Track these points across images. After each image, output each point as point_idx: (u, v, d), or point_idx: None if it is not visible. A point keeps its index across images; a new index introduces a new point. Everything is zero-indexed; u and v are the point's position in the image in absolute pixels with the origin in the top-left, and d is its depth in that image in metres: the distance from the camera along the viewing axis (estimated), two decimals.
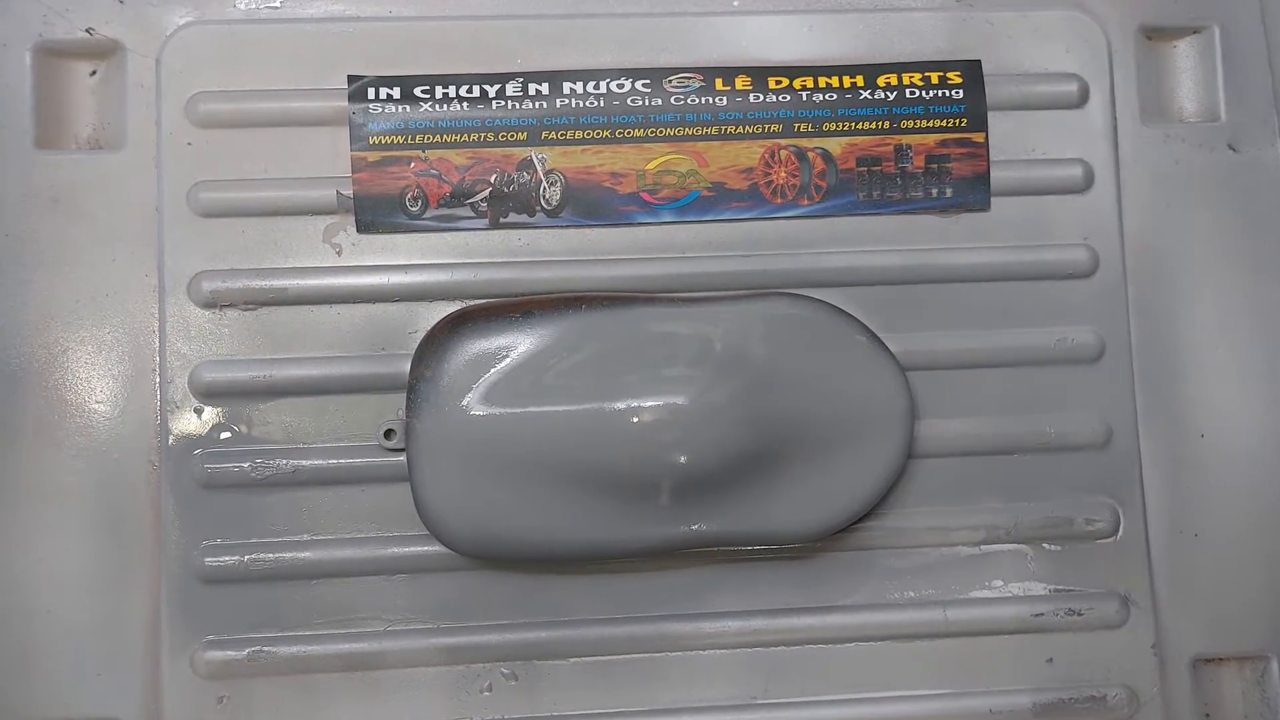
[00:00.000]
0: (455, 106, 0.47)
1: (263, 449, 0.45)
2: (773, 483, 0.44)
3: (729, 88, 0.47)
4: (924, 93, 0.48)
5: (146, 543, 0.45)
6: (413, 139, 0.46)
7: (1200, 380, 0.49)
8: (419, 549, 0.45)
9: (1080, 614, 0.47)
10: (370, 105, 0.46)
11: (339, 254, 0.46)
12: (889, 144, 0.48)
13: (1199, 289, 0.49)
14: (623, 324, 0.44)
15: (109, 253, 0.46)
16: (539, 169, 0.47)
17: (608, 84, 0.47)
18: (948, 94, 0.48)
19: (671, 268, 0.47)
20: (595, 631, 0.46)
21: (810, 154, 0.47)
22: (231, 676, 0.45)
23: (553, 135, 0.47)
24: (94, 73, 0.47)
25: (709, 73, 0.48)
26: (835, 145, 0.47)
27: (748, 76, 0.48)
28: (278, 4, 0.47)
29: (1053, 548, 0.48)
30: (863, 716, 0.46)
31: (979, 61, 0.48)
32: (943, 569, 0.47)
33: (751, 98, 0.47)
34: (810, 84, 0.48)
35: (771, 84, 0.48)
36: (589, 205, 0.47)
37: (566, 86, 0.47)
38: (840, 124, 0.48)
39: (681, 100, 0.47)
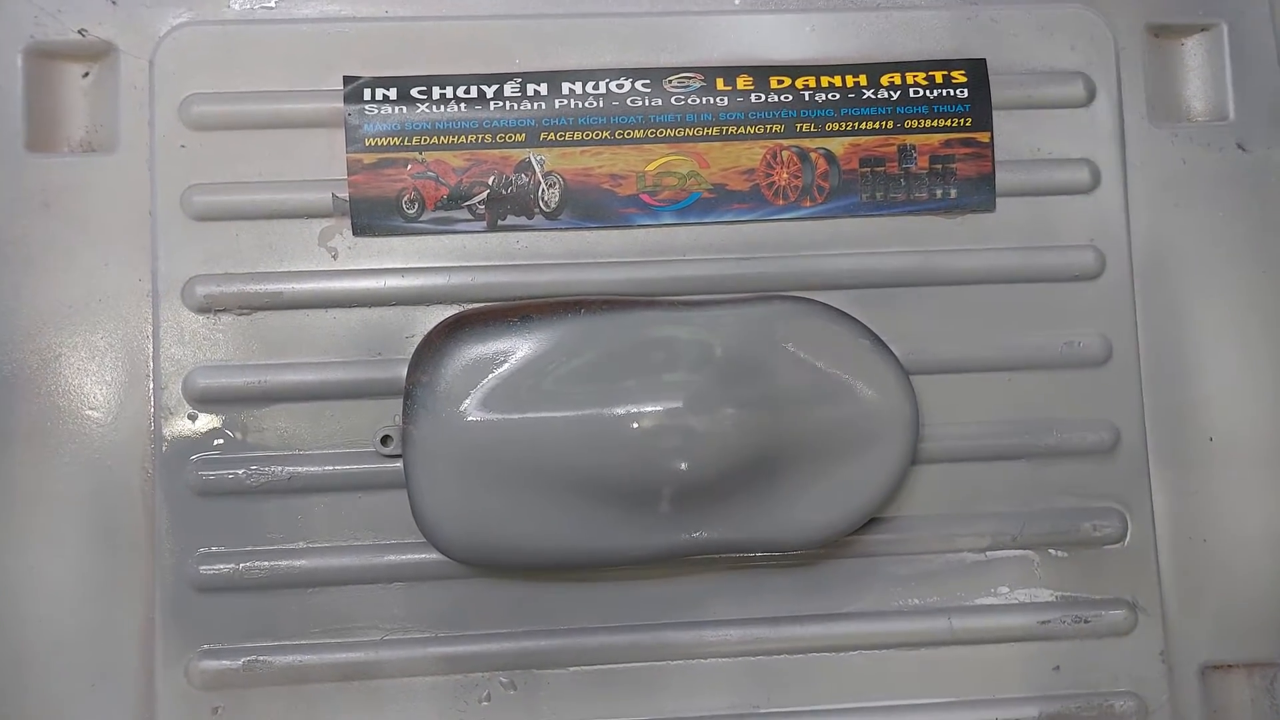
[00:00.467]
0: (452, 107, 0.46)
1: (258, 455, 0.45)
2: (775, 489, 0.43)
3: (730, 88, 0.47)
4: (928, 92, 0.47)
5: (140, 551, 0.44)
6: (409, 141, 0.46)
7: (1209, 383, 0.48)
8: (416, 557, 0.45)
9: (1088, 621, 0.46)
10: (366, 107, 0.46)
11: (335, 258, 0.46)
12: (893, 144, 0.47)
13: (1207, 290, 0.48)
14: (622, 328, 0.43)
15: (102, 257, 0.45)
16: (537, 171, 0.46)
17: (607, 84, 0.47)
18: (952, 93, 0.47)
19: (672, 271, 0.46)
20: (595, 640, 0.45)
21: (813, 155, 0.47)
22: (227, 687, 0.44)
23: (551, 136, 0.46)
24: (86, 74, 0.46)
25: (710, 72, 0.47)
26: (838, 146, 0.47)
27: (749, 76, 0.47)
28: (272, 4, 0.47)
29: (1059, 554, 0.47)
30: None
31: (984, 60, 0.48)
32: (948, 576, 0.47)
33: (753, 98, 0.47)
34: (813, 83, 0.47)
35: (773, 83, 0.47)
36: (588, 207, 0.46)
37: (565, 87, 0.46)
38: (843, 124, 0.47)
39: (682, 100, 0.47)
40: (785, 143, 0.47)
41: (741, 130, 0.47)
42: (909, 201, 0.47)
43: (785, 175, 0.47)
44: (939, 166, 0.47)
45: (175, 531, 0.44)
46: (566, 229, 0.46)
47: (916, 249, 0.47)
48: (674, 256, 0.47)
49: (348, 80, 0.46)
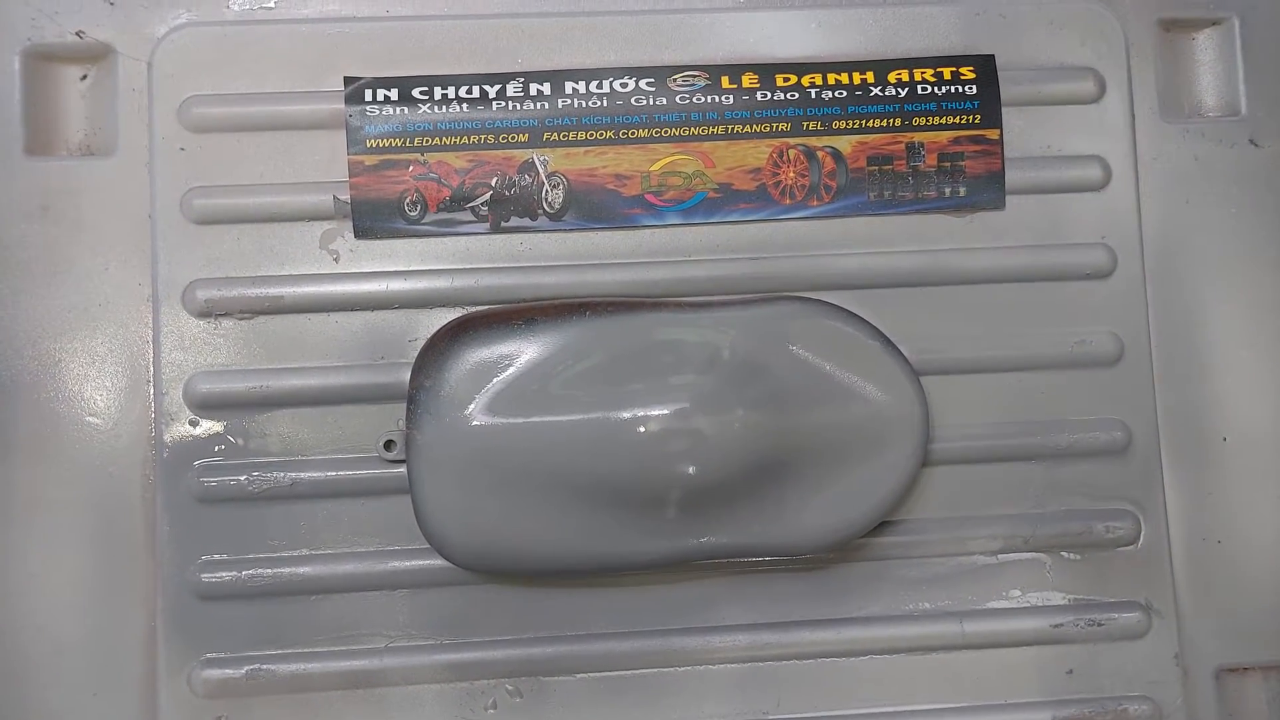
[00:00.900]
0: (454, 108, 0.45)
1: (260, 461, 0.44)
2: (783, 492, 0.43)
3: (735, 86, 0.46)
4: (936, 89, 0.47)
5: (142, 558, 0.44)
6: (411, 142, 0.45)
7: (1223, 382, 0.47)
8: (420, 563, 0.44)
9: (1101, 624, 0.46)
10: (367, 107, 0.45)
11: (336, 260, 0.45)
12: (900, 142, 0.46)
13: (1220, 288, 0.48)
14: (628, 330, 0.43)
15: (101, 261, 0.45)
16: (541, 171, 0.46)
17: (611, 83, 0.46)
18: (960, 90, 0.47)
19: (678, 272, 0.46)
20: (602, 646, 0.45)
21: (819, 153, 0.46)
22: (230, 696, 0.44)
23: (555, 136, 0.46)
24: (84, 77, 0.46)
25: (715, 71, 0.46)
26: (845, 144, 0.46)
27: (755, 74, 0.46)
28: (272, 4, 0.46)
29: (1072, 556, 0.46)
30: None
31: (993, 56, 0.47)
32: (959, 579, 0.46)
33: (759, 96, 0.46)
34: (819, 81, 0.46)
35: (779, 81, 0.46)
36: (592, 208, 0.46)
37: (569, 86, 0.46)
38: (850, 122, 0.46)
39: (687, 99, 0.46)
40: (792, 141, 0.46)
41: (747, 129, 0.46)
42: (917, 200, 0.46)
43: (792, 174, 0.46)
44: (948, 164, 0.46)
45: (177, 538, 0.44)
46: (571, 230, 0.46)
47: (925, 248, 0.46)
48: (680, 257, 0.46)
49: (349, 81, 0.45)
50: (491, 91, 0.46)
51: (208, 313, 0.45)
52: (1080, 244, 0.47)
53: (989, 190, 0.47)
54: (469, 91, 0.46)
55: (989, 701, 0.46)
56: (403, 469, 0.43)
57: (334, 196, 0.45)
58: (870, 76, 0.47)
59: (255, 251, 0.45)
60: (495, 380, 0.42)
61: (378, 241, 0.45)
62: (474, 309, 0.45)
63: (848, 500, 0.43)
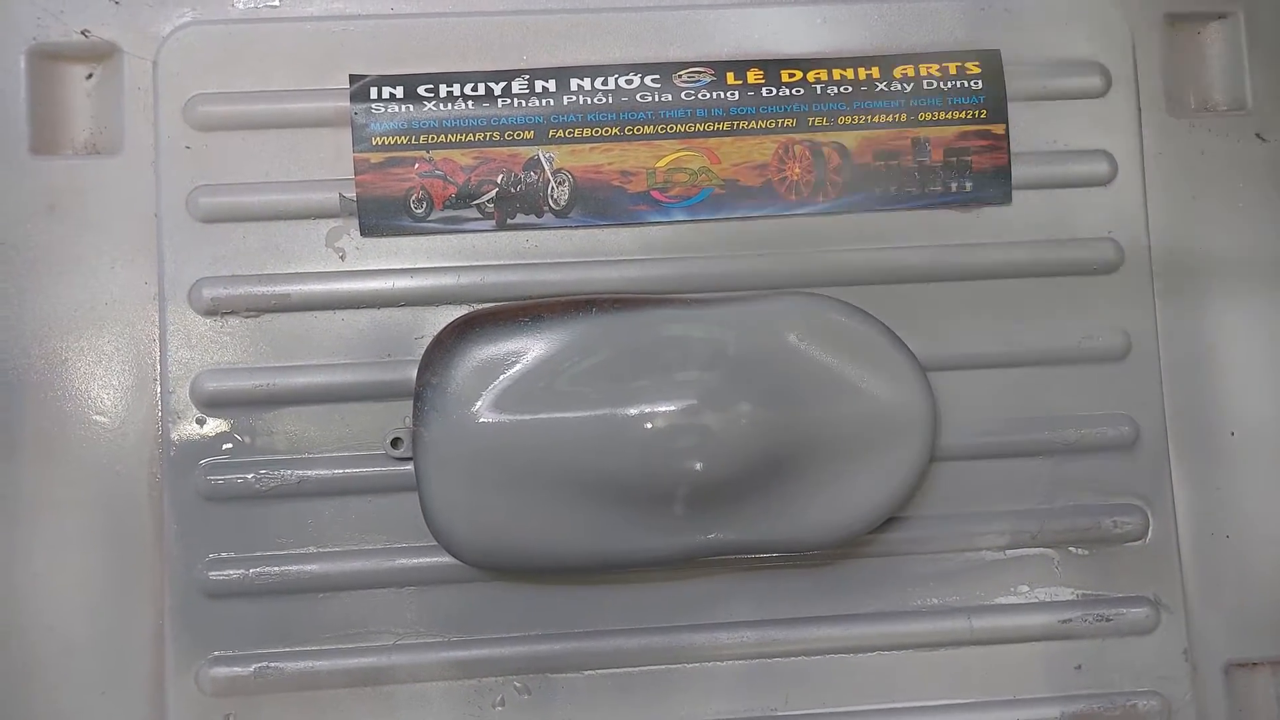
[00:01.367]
0: (460, 105, 0.45)
1: (267, 459, 0.44)
2: (791, 488, 0.43)
3: (741, 82, 0.46)
4: (942, 84, 0.47)
5: (149, 557, 0.44)
6: (417, 139, 0.45)
7: (1230, 377, 0.47)
8: (428, 560, 0.44)
9: (1109, 619, 0.46)
10: (373, 105, 0.45)
11: (343, 258, 0.45)
12: (906, 137, 0.46)
13: (1227, 283, 0.47)
14: (635, 327, 0.43)
15: (107, 260, 0.45)
16: (546, 168, 0.46)
17: (616, 80, 0.46)
18: (966, 85, 0.47)
19: (684, 268, 0.46)
20: (609, 643, 0.45)
21: (825, 149, 0.46)
22: (238, 694, 0.44)
23: (560, 134, 0.46)
24: (90, 75, 0.46)
25: (720, 67, 0.46)
26: (851, 139, 0.46)
27: (760, 70, 0.46)
28: (277, 3, 0.46)
29: (1080, 551, 0.46)
30: None
31: (998, 51, 0.47)
32: (967, 575, 0.46)
33: (764, 92, 0.46)
34: (824, 77, 0.46)
35: (784, 77, 0.46)
36: (598, 205, 0.46)
37: (574, 83, 0.46)
38: (856, 117, 0.46)
39: (692, 96, 0.46)
40: (797, 137, 0.46)
41: (753, 125, 0.46)
42: (924, 195, 0.46)
43: (798, 170, 0.46)
44: (954, 159, 0.46)
45: (184, 537, 0.44)
46: (576, 227, 0.46)
47: (932, 243, 0.46)
48: (685, 254, 0.46)
49: (354, 79, 0.45)
50: (497, 89, 0.46)
51: (214, 311, 0.44)
52: (1087, 239, 0.47)
53: (995, 185, 0.47)
54: (474, 89, 0.46)
55: (997, 697, 0.45)
56: (410, 466, 0.43)
57: (340, 194, 0.45)
58: (876, 72, 0.47)
59: (261, 249, 0.45)
60: (502, 377, 0.42)
61: (384, 239, 0.45)
62: (480, 306, 0.45)
63: (855, 496, 0.43)
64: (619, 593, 0.45)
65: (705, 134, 0.46)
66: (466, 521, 0.42)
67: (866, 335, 0.44)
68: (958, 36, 0.47)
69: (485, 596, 0.45)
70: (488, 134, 0.45)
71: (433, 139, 0.45)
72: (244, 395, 0.44)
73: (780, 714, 0.45)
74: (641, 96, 0.46)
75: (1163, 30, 0.48)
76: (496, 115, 0.46)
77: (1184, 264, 0.47)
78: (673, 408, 0.41)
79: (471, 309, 0.45)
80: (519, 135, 0.46)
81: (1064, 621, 0.46)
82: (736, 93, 0.46)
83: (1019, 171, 0.47)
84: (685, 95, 0.46)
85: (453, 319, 0.44)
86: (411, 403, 0.42)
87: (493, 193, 0.45)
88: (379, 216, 0.45)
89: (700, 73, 0.46)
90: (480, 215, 0.45)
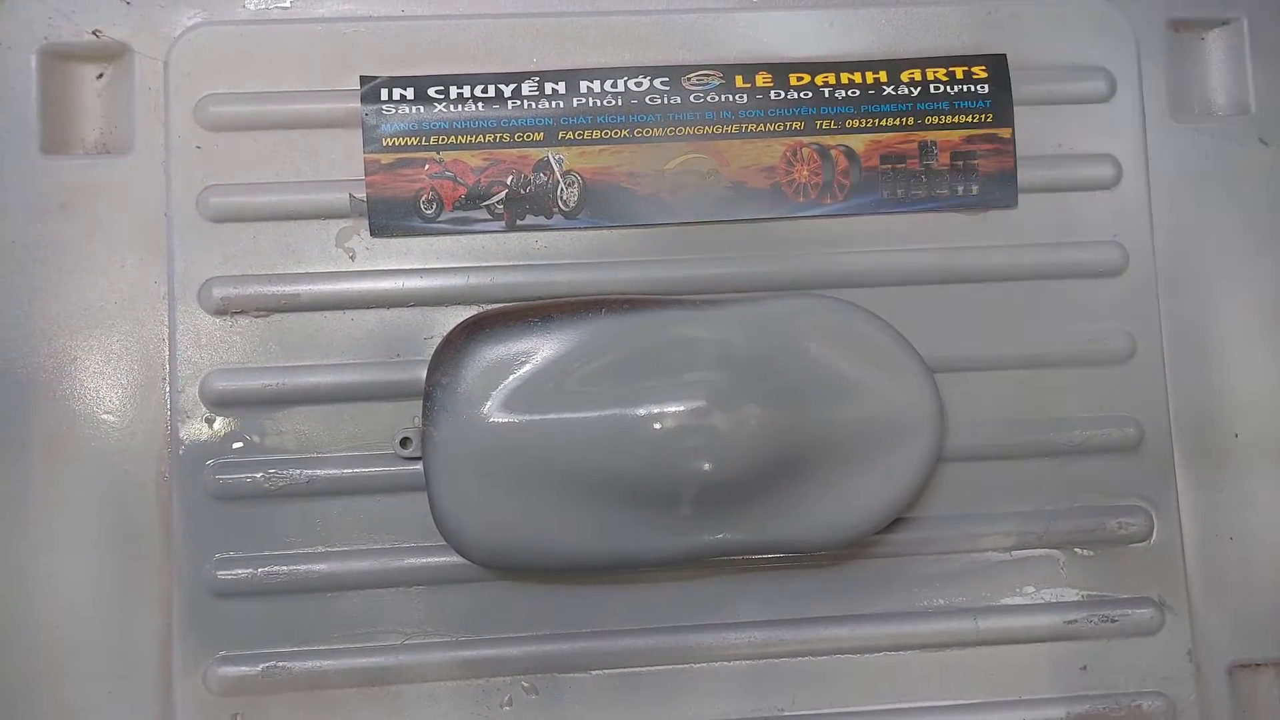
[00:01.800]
0: (470, 107, 0.46)
1: (276, 459, 0.44)
2: (798, 489, 0.43)
3: (749, 85, 0.46)
4: (948, 88, 0.47)
5: (157, 556, 0.44)
6: (427, 140, 0.45)
7: (1234, 379, 0.47)
8: (436, 560, 0.44)
9: (1114, 620, 0.46)
10: (383, 106, 0.45)
11: (352, 258, 0.45)
12: (913, 141, 0.47)
13: (1231, 286, 0.48)
14: (643, 328, 0.43)
15: (118, 259, 0.45)
16: (556, 170, 0.46)
17: (625, 82, 0.46)
18: (973, 89, 0.47)
19: (692, 269, 0.46)
20: (617, 643, 0.45)
21: (833, 152, 0.46)
22: (246, 693, 0.44)
23: (570, 135, 0.46)
24: (101, 75, 0.46)
25: (729, 70, 0.47)
26: (858, 143, 0.46)
27: (768, 73, 0.47)
28: (287, 4, 0.46)
29: (1085, 553, 0.46)
30: None
31: (1004, 55, 0.47)
32: (973, 576, 0.46)
33: (772, 95, 0.46)
34: (832, 80, 0.47)
35: (793, 80, 0.47)
36: (607, 206, 0.46)
37: (583, 85, 0.46)
38: (863, 121, 0.47)
39: (701, 98, 0.46)
40: (805, 140, 0.46)
41: (761, 128, 0.46)
42: (931, 198, 0.47)
43: (805, 173, 0.46)
44: (960, 163, 0.47)
45: (192, 536, 0.44)
46: (586, 228, 0.46)
47: (938, 246, 0.47)
48: (694, 255, 0.46)
49: (364, 80, 0.46)
50: (507, 90, 0.46)
51: (224, 310, 0.45)
52: (1092, 242, 0.47)
53: (1001, 189, 0.47)
54: (484, 90, 0.46)
55: (1003, 698, 0.46)
56: (419, 466, 0.43)
57: (350, 195, 0.45)
58: (883, 76, 0.47)
59: (271, 249, 0.45)
60: (511, 377, 0.42)
61: (393, 239, 0.45)
62: (490, 307, 0.45)
63: (862, 497, 0.43)
64: (627, 593, 0.45)
65: (714, 136, 0.46)
66: (475, 521, 0.42)
67: (874, 337, 0.44)
68: (964, 41, 0.48)
69: (493, 596, 0.45)
70: (497, 135, 0.46)
71: (443, 140, 0.45)
72: (253, 394, 0.44)
73: (787, 714, 0.45)
74: (650, 99, 0.46)
75: (1167, 35, 0.49)
76: (506, 117, 0.46)
77: (1188, 267, 0.48)
78: (681, 408, 0.41)
79: (481, 309, 0.45)
80: (529, 137, 0.46)
81: (1069, 622, 0.46)
82: (745, 96, 0.46)
83: (1025, 175, 0.47)
84: (694, 98, 0.46)
85: (462, 319, 0.44)
86: (421, 402, 0.42)
87: (502, 194, 0.46)
88: (389, 217, 0.45)
89: (709, 75, 0.47)
90: (490, 216, 0.46)
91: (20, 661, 0.43)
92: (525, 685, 0.45)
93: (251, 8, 0.46)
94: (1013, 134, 0.47)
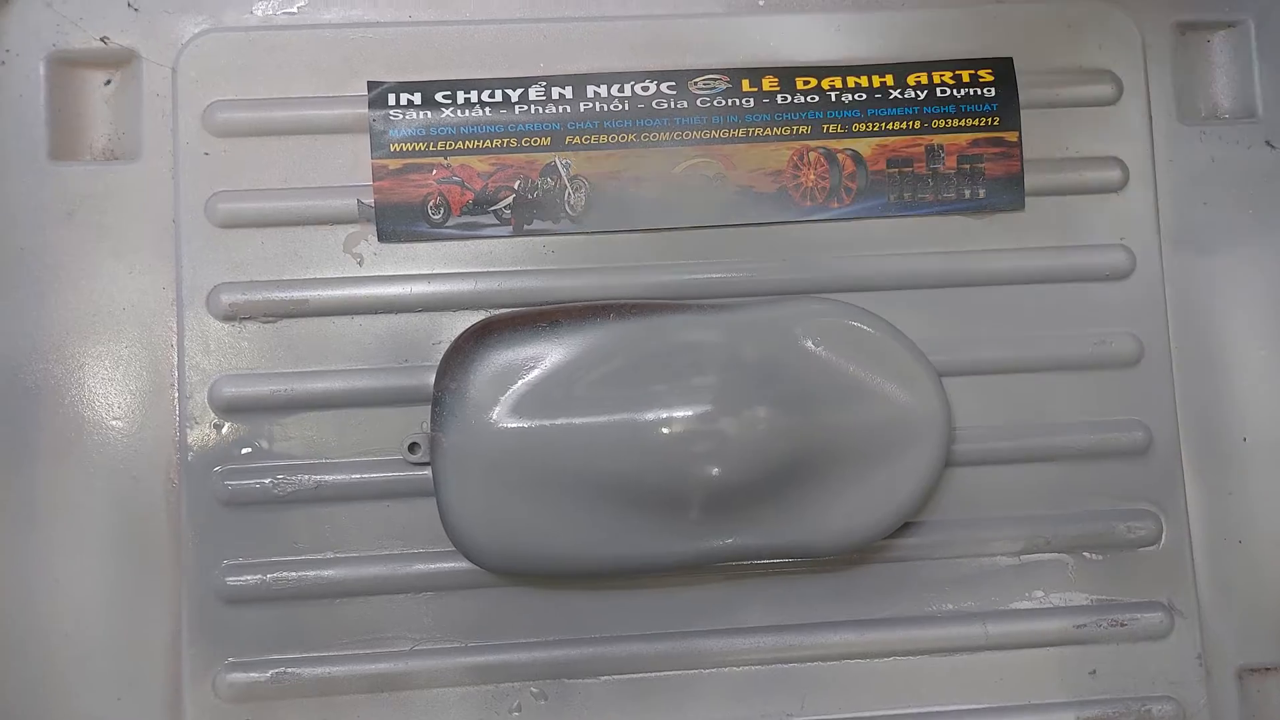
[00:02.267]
0: (477, 112, 0.46)
1: (284, 464, 0.44)
2: (806, 494, 0.43)
3: (756, 89, 0.47)
4: (955, 91, 0.47)
5: (166, 562, 0.44)
6: (434, 145, 0.45)
7: (1242, 382, 0.47)
8: (445, 565, 0.44)
9: (1124, 624, 0.46)
10: (391, 112, 0.45)
11: (360, 264, 0.45)
12: (920, 144, 0.47)
13: (1239, 288, 0.48)
14: (651, 332, 0.43)
15: (126, 265, 0.45)
16: (563, 175, 0.46)
17: (632, 87, 0.46)
18: (979, 92, 0.47)
19: (699, 274, 0.46)
20: (626, 648, 0.45)
21: (840, 156, 0.46)
22: (255, 699, 0.44)
23: (577, 140, 0.46)
24: (109, 82, 0.46)
25: (735, 74, 0.47)
26: (865, 146, 0.46)
27: (774, 77, 0.47)
28: (295, 10, 0.46)
29: (1094, 557, 0.46)
30: None
31: (1010, 59, 0.47)
32: (982, 580, 0.46)
33: (779, 99, 0.46)
34: (839, 84, 0.47)
35: (799, 84, 0.47)
36: (615, 211, 0.46)
37: (590, 90, 0.46)
38: (870, 124, 0.47)
39: (707, 103, 0.46)
40: (812, 144, 0.46)
41: (768, 132, 0.46)
42: (937, 202, 0.47)
43: (812, 176, 0.46)
44: (967, 166, 0.47)
45: (201, 542, 0.44)
46: (593, 233, 0.46)
47: (945, 250, 0.47)
48: (702, 259, 0.46)
49: (372, 85, 0.46)
50: (514, 95, 0.46)
51: (232, 316, 0.45)
52: (1099, 245, 0.47)
53: (1008, 192, 0.47)
54: (491, 95, 0.46)
55: (1012, 702, 0.46)
56: (427, 471, 0.43)
57: (358, 200, 0.45)
58: (890, 79, 0.47)
59: (279, 255, 0.45)
60: (520, 383, 0.42)
61: (401, 245, 0.45)
62: (498, 312, 0.45)
63: (870, 501, 0.43)
64: (635, 598, 0.45)
65: (720, 140, 0.46)
66: (484, 526, 0.42)
67: (881, 340, 0.44)
68: (970, 45, 0.48)
69: (502, 602, 0.45)
70: (505, 140, 0.46)
71: (450, 145, 0.45)
72: (261, 400, 0.44)
73: (796, 718, 0.45)
74: (657, 103, 0.46)
75: (1173, 39, 0.49)
76: (513, 122, 0.46)
77: (1195, 270, 0.48)
78: (689, 413, 0.41)
79: (489, 314, 0.45)
80: (536, 142, 0.46)
81: (1078, 626, 0.46)
82: (751, 100, 0.46)
83: (1031, 178, 0.47)
84: (701, 102, 0.46)
85: (470, 324, 0.44)
86: (429, 408, 0.42)
87: (510, 199, 0.46)
88: (396, 222, 0.45)
89: (716, 80, 0.47)
90: (497, 221, 0.46)
91: (29, 669, 0.43)
92: (534, 691, 0.45)
93: (259, 14, 0.46)
94: (1019, 137, 0.47)
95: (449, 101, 0.46)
